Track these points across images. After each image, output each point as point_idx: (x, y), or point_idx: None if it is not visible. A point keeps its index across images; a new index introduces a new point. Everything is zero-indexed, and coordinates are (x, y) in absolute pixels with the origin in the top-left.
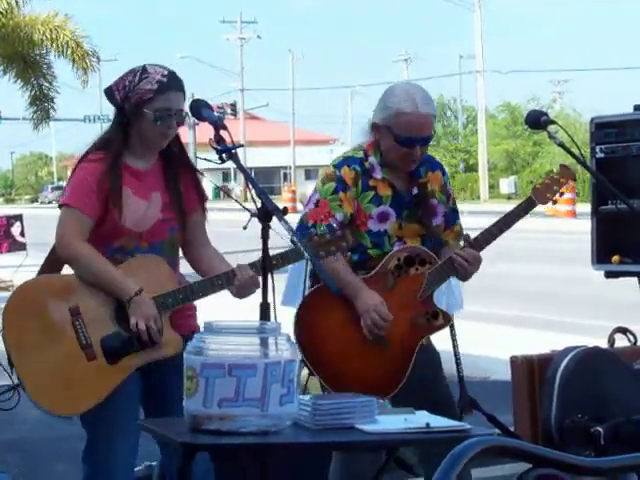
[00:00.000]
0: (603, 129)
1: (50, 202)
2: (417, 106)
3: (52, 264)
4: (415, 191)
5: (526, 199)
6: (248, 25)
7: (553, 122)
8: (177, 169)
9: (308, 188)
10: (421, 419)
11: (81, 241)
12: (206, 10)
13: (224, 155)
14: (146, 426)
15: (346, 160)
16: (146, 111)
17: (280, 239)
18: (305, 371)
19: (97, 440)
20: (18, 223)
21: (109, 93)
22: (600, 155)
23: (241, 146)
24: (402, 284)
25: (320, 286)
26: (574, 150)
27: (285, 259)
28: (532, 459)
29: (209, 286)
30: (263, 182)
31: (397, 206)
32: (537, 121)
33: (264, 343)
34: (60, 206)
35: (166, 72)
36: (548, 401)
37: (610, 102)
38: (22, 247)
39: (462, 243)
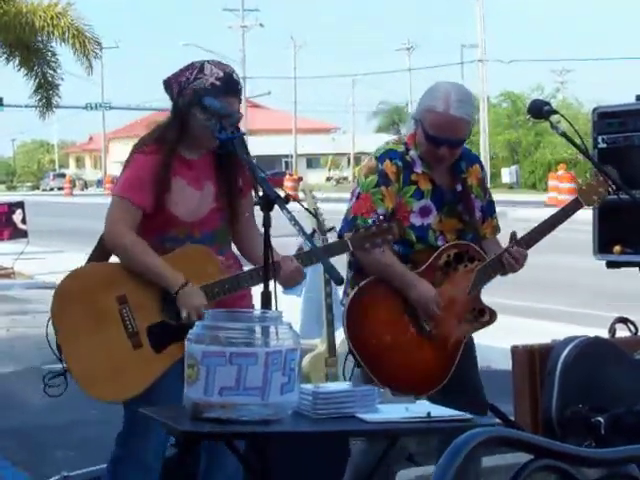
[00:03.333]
0: (605, 119)
1: (52, 189)
2: (449, 107)
3: (100, 254)
4: (459, 188)
5: (573, 200)
6: (250, 13)
7: (555, 112)
8: (229, 157)
9: (310, 176)
10: (422, 408)
11: (128, 232)
12: None
13: (227, 144)
14: (149, 414)
15: (388, 153)
16: (196, 113)
17: (287, 226)
18: (306, 361)
19: (134, 426)
20: (19, 210)
21: (167, 85)
22: (602, 145)
23: (243, 134)
24: (451, 281)
25: (371, 280)
26: (576, 140)
27: (330, 251)
28: (533, 450)
29: (255, 276)
30: (265, 170)
31: (437, 200)
32: (539, 111)
33: (265, 332)
34: (112, 195)
35: (221, 74)
36: (549, 391)
37: (612, 92)
38: (23, 234)
39: (509, 241)
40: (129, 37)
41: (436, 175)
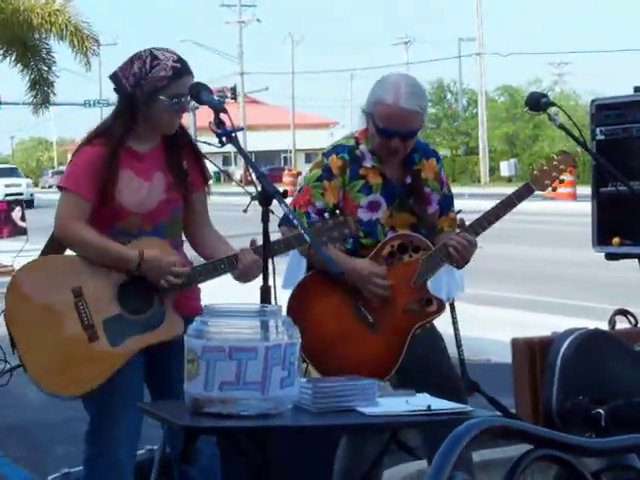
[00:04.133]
0: (603, 111)
1: (51, 187)
2: (399, 99)
3: (54, 247)
4: (408, 180)
5: (523, 185)
6: (248, 8)
7: (553, 104)
8: (180, 149)
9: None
10: (422, 401)
11: (78, 223)
12: None
13: (224, 139)
14: (147, 409)
15: (335, 148)
16: (162, 98)
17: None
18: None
19: (100, 422)
20: (19, 208)
21: (116, 80)
22: (600, 137)
23: (241, 130)
24: (395, 271)
25: (311, 273)
26: (574, 132)
27: (288, 244)
28: (533, 440)
29: (212, 270)
30: (263, 166)
31: (388, 195)
32: (537, 103)
33: (265, 326)
34: (59, 189)
35: (176, 57)
36: (549, 383)
37: (610, 84)
38: (23, 232)
39: (457, 229)
40: (127, 34)
41: (387, 169)
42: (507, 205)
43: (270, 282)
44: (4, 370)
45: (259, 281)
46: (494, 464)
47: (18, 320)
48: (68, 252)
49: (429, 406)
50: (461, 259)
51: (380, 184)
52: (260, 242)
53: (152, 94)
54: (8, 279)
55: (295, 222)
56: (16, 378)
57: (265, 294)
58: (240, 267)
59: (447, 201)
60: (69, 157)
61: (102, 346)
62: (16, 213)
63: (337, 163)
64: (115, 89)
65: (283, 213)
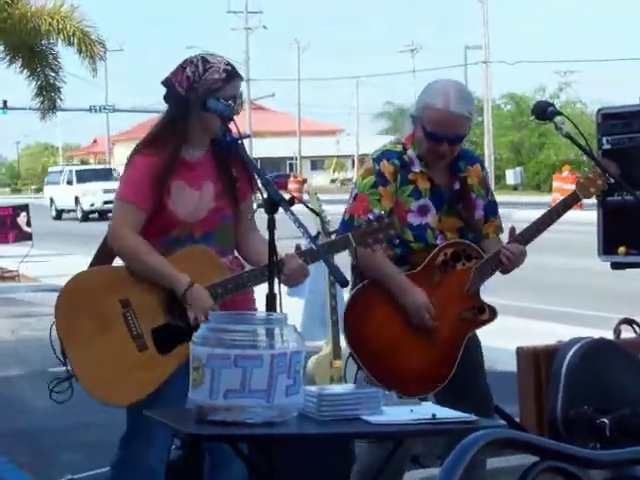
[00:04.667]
0: (610, 120)
1: None
2: (449, 103)
3: (104, 256)
4: (457, 186)
5: (571, 193)
6: (254, 15)
7: (559, 113)
8: (229, 157)
9: (314, 178)
10: (427, 410)
11: (133, 234)
12: (212, 0)
13: (230, 146)
14: (154, 417)
15: (384, 154)
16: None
17: (291, 228)
18: (311, 361)
19: (138, 429)
20: (24, 213)
21: (168, 85)
22: (607, 146)
23: (247, 137)
24: (449, 279)
25: (366, 283)
26: (580, 141)
27: (334, 247)
28: (539, 451)
29: (259, 275)
30: (270, 172)
31: (436, 199)
32: (544, 112)
33: (270, 334)
34: (115, 199)
35: (226, 60)
36: (554, 392)
37: (617, 93)
38: (28, 237)
39: (508, 237)
40: (133, 40)
41: (434, 174)
42: (555, 213)
43: (276, 290)
44: (62, 379)
45: (265, 289)
46: (499, 473)
47: (68, 331)
48: (116, 262)
49: (434, 415)
50: (511, 268)
51: (428, 189)
52: (304, 247)
53: (207, 97)
54: (13, 284)
55: (302, 229)
56: (22, 385)
57: (271, 302)
58: (286, 272)
59: (491, 207)
60: (75, 162)
61: (151, 355)
62: (22, 218)
63: (389, 169)
64: (165, 96)
65: (340, 224)
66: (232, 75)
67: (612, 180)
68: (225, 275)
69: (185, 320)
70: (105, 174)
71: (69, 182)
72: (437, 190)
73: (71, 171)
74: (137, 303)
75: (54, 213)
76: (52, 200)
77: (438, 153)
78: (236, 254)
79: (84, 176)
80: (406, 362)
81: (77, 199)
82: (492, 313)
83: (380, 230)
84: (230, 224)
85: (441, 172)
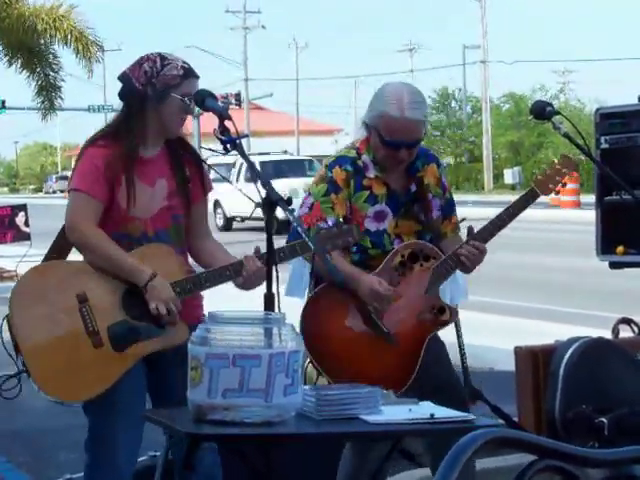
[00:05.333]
0: (608, 120)
1: (54, 192)
2: (403, 110)
3: (58, 250)
4: (413, 188)
5: (528, 190)
6: (252, 15)
7: (558, 113)
8: (182, 157)
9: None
10: (425, 409)
11: (92, 225)
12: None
13: (229, 145)
14: (151, 417)
15: (337, 160)
16: (174, 95)
17: (285, 230)
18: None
19: (100, 429)
20: (22, 213)
21: (125, 79)
22: (605, 146)
23: (246, 136)
24: (407, 281)
25: (326, 284)
26: (579, 140)
27: (292, 252)
28: (537, 450)
29: (217, 277)
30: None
31: (393, 204)
32: (542, 111)
33: (268, 333)
34: (69, 191)
35: (183, 60)
36: (552, 392)
37: (615, 93)
38: (26, 237)
39: (466, 236)
40: (131, 40)
41: (390, 178)
42: (513, 211)
43: (274, 289)
44: (10, 376)
45: (263, 288)
46: (496, 473)
47: (22, 325)
48: (70, 257)
49: (432, 414)
50: (472, 266)
51: (384, 194)
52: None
53: (164, 92)
54: (12, 284)
55: (299, 230)
56: (21, 384)
57: (269, 301)
58: (245, 274)
59: (449, 206)
60: (73, 162)
61: (106, 352)
62: (20, 218)
63: (341, 175)
64: (121, 92)
65: (290, 231)
66: (189, 73)
67: (569, 181)
68: (184, 274)
69: (142, 317)
70: (301, 167)
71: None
72: (393, 194)
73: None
74: (94, 298)
75: (221, 222)
76: (218, 204)
77: (397, 159)
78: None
79: (276, 169)
80: (366, 365)
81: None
82: (452, 313)
83: (339, 236)
84: (182, 224)
85: (397, 175)
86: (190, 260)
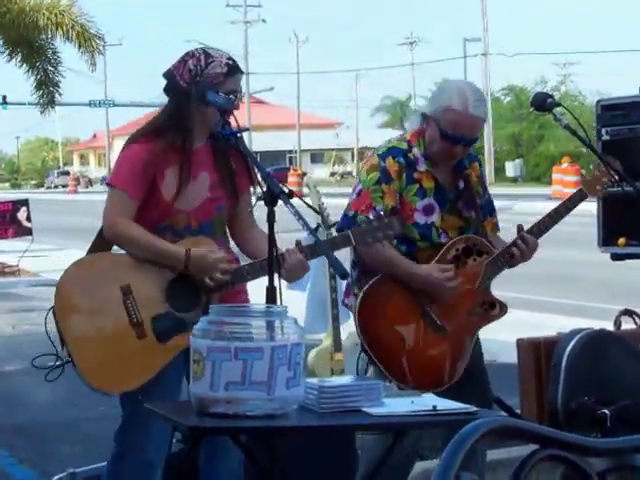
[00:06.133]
0: (609, 111)
1: (56, 187)
2: (468, 106)
3: (101, 244)
4: (461, 185)
5: (577, 191)
6: (253, 8)
7: (559, 104)
8: (227, 149)
9: (314, 172)
10: (428, 402)
11: (127, 221)
12: None
13: (230, 139)
14: (154, 409)
15: (391, 151)
16: (219, 94)
17: (290, 221)
18: (311, 355)
19: (134, 420)
20: (24, 208)
21: (170, 77)
22: (606, 137)
23: (247, 130)
24: (460, 275)
25: (378, 278)
26: (580, 132)
27: (334, 245)
28: (539, 440)
29: (259, 269)
30: (269, 166)
31: (440, 198)
32: (543, 103)
33: (270, 326)
34: (107, 186)
35: (228, 55)
36: (554, 383)
37: (616, 84)
38: (28, 232)
39: (516, 233)
40: (132, 34)
41: (439, 173)
42: (562, 211)
43: (276, 283)
44: (55, 365)
45: (265, 281)
46: (499, 464)
47: (67, 317)
48: (115, 249)
49: (435, 406)
50: (521, 262)
51: (432, 188)
52: (304, 243)
53: (207, 90)
54: (14, 279)
55: (302, 222)
56: (23, 380)
57: (271, 294)
58: (286, 267)
59: (489, 205)
60: (74, 157)
61: (150, 343)
62: (21, 213)
63: (394, 167)
64: (166, 88)
65: (340, 221)
66: (233, 69)
67: (615, 176)
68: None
69: (185, 309)
70: None
71: None
72: (441, 189)
73: None
74: (138, 290)
75: None
76: None
77: (452, 154)
78: (232, 247)
79: None
80: (420, 359)
81: None
82: (502, 308)
83: (379, 229)
84: (225, 216)
85: (445, 171)
86: (235, 249)
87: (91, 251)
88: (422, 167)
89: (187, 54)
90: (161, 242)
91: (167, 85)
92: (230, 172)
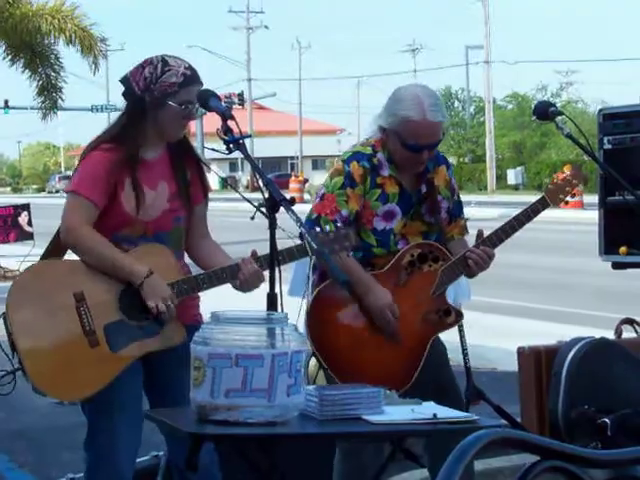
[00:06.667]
0: (611, 120)
1: (57, 191)
2: (425, 114)
3: (55, 250)
4: (424, 189)
5: (539, 199)
6: (255, 15)
7: (561, 113)
8: (183, 159)
9: (315, 178)
10: (428, 410)
11: (87, 228)
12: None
13: (232, 145)
14: (153, 416)
15: (355, 155)
16: (170, 104)
17: (287, 230)
18: (313, 362)
19: (99, 428)
20: (25, 213)
21: (126, 83)
22: (608, 146)
23: (249, 136)
24: (415, 280)
25: (327, 283)
26: (582, 141)
27: (291, 255)
28: (540, 451)
29: (214, 279)
30: (270, 172)
31: (403, 204)
32: (545, 112)
33: (271, 333)
34: (68, 192)
35: (187, 64)
36: (555, 392)
37: (618, 93)
38: (29, 237)
39: (475, 240)
40: (134, 40)
41: (404, 178)
42: (523, 219)
43: (277, 289)
44: (6, 372)
45: (266, 288)
46: (500, 473)
47: (19, 324)
48: (68, 256)
49: (435, 415)
50: (478, 271)
51: (396, 193)
52: (261, 252)
53: (161, 99)
54: None
55: (303, 230)
56: (22, 384)
57: (272, 301)
58: (241, 277)
59: (457, 208)
60: (76, 162)
61: (103, 351)
62: (23, 218)
63: (359, 171)
64: (124, 93)
65: (305, 220)
66: (190, 80)
67: (581, 187)
68: (180, 275)
69: (139, 318)
70: None
71: None
72: (405, 194)
73: None
74: (91, 298)
75: None
76: None
77: (418, 161)
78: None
79: None
80: (370, 363)
81: None
82: (457, 316)
83: (336, 240)
84: (183, 227)
85: (410, 175)
86: (188, 261)
87: (44, 257)
88: (386, 172)
89: (146, 61)
90: (120, 256)
91: (124, 91)
92: (186, 182)
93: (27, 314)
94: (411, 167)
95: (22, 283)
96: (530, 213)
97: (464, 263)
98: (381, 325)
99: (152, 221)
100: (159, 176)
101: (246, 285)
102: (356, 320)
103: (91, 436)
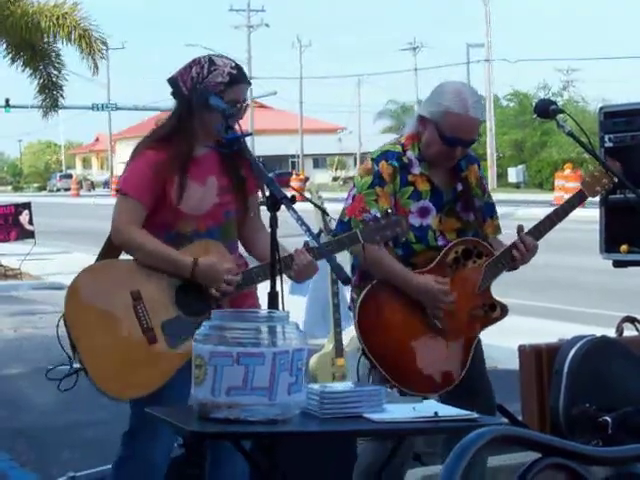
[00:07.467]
0: (612, 118)
1: (58, 190)
2: (468, 109)
3: (110, 251)
4: (459, 187)
5: (577, 192)
6: (256, 13)
7: (562, 111)
8: (235, 153)
9: (316, 176)
10: (429, 408)
11: (135, 227)
12: None
13: (232, 144)
14: (156, 414)
15: (384, 154)
16: (212, 104)
17: (293, 226)
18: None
19: (143, 424)
20: (26, 211)
21: (173, 83)
22: (609, 144)
23: (250, 134)
24: (460, 277)
25: (375, 283)
26: (583, 139)
27: (341, 245)
28: (541, 448)
29: (269, 271)
30: (271, 170)
31: (436, 201)
32: (546, 110)
33: (272, 332)
34: (117, 191)
35: (234, 64)
36: (556, 390)
37: (619, 91)
38: (30, 235)
39: (516, 234)
40: (135, 38)
41: (435, 176)
42: (562, 212)
43: (278, 288)
44: (69, 372)
45: (267, 286)
46: (501, 470)
47: (78, 324)
48: (124, 256)
49: (436, 413)
50: (521, 264)
51: (428, 191)
52: (311, 244)
53: (207, 99)
54: (16, 282)
55: (304, 227)
56: (24, 383)
57: (273, 300)
58: (296, 268)
59: (489, 207)
60: (77, 160)
61: (161, 348)
62: (24, 216)
63: (388, 170)
64: (172, 93)
65: (335, 227)
66: (236, 79)
67: (616, 179)
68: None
69: (196, 313)
70: None
71: None
72: (437, 192)
73: None
74: (148, 296)
75: None
76: None
77: (451, 156)
78: (240, 251)
79: None
80: (420, 361)
81: None
82: (503, 310)
83: (387, 227)
84: (234, 220)
85: (442, 173)
86: (243, 252)
87: (100, 257)
88: (416, 170)
89: (193, 61)
90: (169, 250)
91: (173, 91)
92: (239, 177)
93: (86, 314)
94: (442, 162)
95: (80, 284)
96: (569, 207)
97: (509, 257)
98: (433, 303)
99: (202, 215)
100: (207, 171)
101: (300, 276)
102: (405, 319)
103: (134, 429)
